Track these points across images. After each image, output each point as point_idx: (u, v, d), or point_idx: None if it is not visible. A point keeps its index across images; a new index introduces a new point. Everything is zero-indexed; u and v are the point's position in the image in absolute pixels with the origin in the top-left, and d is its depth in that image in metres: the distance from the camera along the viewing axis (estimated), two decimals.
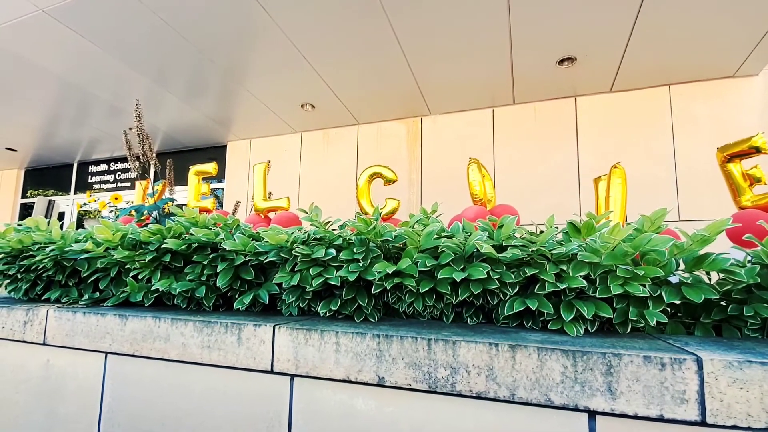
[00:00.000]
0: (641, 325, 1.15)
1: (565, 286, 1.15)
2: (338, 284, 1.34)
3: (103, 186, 7.35)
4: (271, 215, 2.37)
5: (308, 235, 1.46)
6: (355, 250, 1.37)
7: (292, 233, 1.43)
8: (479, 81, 4.25)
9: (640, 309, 1.16)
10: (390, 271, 1.21)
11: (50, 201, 4.51)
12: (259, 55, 3.96)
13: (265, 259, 1.45)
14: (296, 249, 1.36)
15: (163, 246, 1.60)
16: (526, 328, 1.27)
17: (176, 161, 6.71)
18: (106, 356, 1.61)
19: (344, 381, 1.25)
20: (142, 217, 2.17)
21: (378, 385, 1.21)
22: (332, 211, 5.24)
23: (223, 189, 6.12)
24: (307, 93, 4.65)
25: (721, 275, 1.14)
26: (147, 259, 1.64)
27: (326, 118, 5.27)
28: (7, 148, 7.04)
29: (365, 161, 5.33)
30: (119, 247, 1.71)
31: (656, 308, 1.15)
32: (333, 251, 1.38)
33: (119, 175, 7.23)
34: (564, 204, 4.34)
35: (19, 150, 7.12)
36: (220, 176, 6.24)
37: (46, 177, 7.92)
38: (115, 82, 4.63)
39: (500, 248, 1.28)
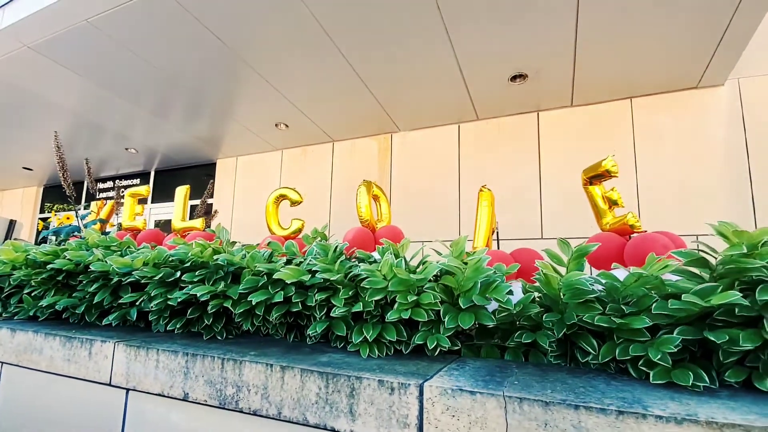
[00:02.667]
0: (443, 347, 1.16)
1: (358, 309, 1.23)
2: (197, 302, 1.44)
3: (109, 200, 7.82)
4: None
5: (165, 256, 1.59)
6: (197, 272, 1.48)
7: (147, 254, 1.56)
8: (439, 99, 4.33)
9: (427, 333, 1.22)
10: (202, 293, 1.33)
11: (11, 221, 4.87)
12: (234, 86, 4.31)
13: (125, 279, 1.60)
14: (141, 271, 1.49)
15: (51, 266, 1.77)
16: (332, 348, 1.34)
17: (172, 178, 7.09)
18: (1, 365, 1.78)
19: (161, 395, 1.36)
20: (64, 238, 2.38)
21: (184, 400, 1.31)
22: (308, 227, 5.40)
23: (212, 204, 6.41)
24: (279, 114, 4.87)
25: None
26: (41, 278, 1.82)
27: (302, 136, 5.47)
28: (23, 168, 7.66)
29: (340, 177, 5.48)
30: (22, 266, 1.90)
31: (446, 333, 1.20)
32: (178, 273, 1.50)
33: (122, 192, 7.68)
34: (527, 219, 4.32)
35: (35, 169, 7.72)
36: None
37: (60, 193, 8.51)
38: (117, 114, 5.07)
39: (312, 272, 1.37)
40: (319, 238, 1.99)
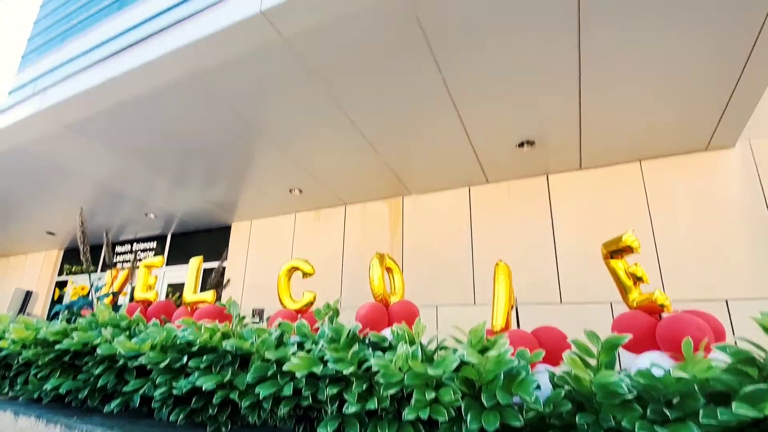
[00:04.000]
0: None
1: (372, 406, 1.14)
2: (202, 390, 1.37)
3: (125, 264, 7.93)
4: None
5: (173, 338, 1.54)
6: (204, 358, 1.42)
7: (155, 336, 1.52)
8: (448, 164, 4.43)
9: None
10: (207, 384, 1.26)
11: (28, 292, 4.90)
12: (251, 154, 4.49)
13: (132, 363, 1.54)
14: (148, 356, 1.44)
15: (58, 347, 1.73)
16: None
17: (188, 241, 7.19)
18: None
19: None
20: (76, 312, 2.37)
21: None
22: (320, 290, 5.32)
23: (224, 267, 6.42)
24: (293, 180, 5.02)
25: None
26: (47, 359, 1.77)
27: (315, 200, 5.59)
28: (47, 232, 7.90)
29: (352, 239, 5.49)
30: (32, 345, 1.87)
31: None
32: (185, 359, 1.45)
33: (139, 255, 7.81)
34: (542, 283, 4.19)
35: (57, 233, 7.95)
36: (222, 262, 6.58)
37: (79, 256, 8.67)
38: (139, 182, 5.30)
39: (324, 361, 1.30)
40: (331, 313, 1.94)
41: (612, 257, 1.66)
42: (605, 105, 3.36)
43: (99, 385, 1.63)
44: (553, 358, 1.68)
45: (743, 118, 3.45)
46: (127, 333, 1.75)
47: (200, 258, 2.48)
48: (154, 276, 2.64)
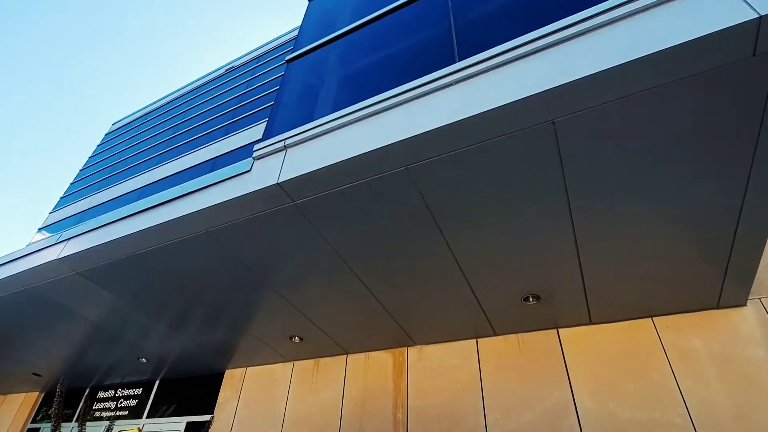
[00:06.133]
0: None
1: None
2: None
3: (105, 413, 7.24)
4: None
5: None
6: None
7: None
8: (454, 316, 4.34)
9: None
10: None
11: None
12: (253, 302, 4.48)
13: None
14: None
15: None
16: None
17: (176, 389, 6.70)
18: None
19: None
20: None
21: None
22: None
23: (210, 422, 5.80)
24: (294, 328, 4.89)
25: None
26: None
27: (315, 348, 5.35)
28: (33, 374, 7.46)
29: (352, 392, 5.06)
30: None
31: None
32: None
33: (121, 402, 7.18)
34: None
35: (43, 375, 7.50)
36: (209, 408, 6.02)
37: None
38: (136, 326, 5.21)
39: None
40: None
41: None
42: (605, 265, 3.41)
43: None
44: None
45: (746, 280, 3.45)
46: None
47: None
48: None
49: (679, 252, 3.20)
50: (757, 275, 3.53)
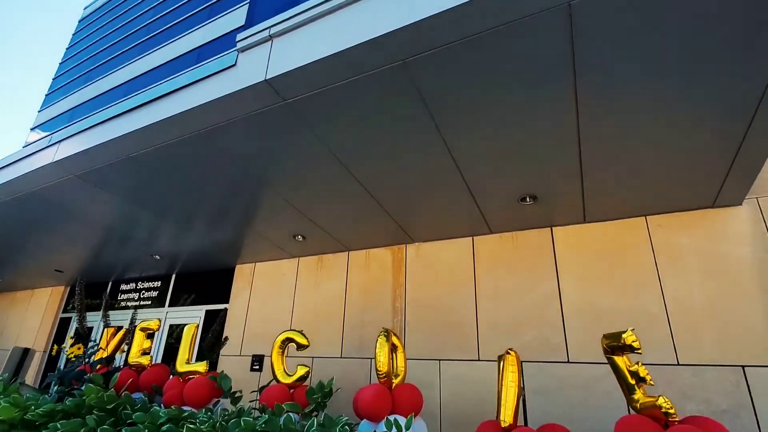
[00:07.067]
0: None
1: None
2: None
3: (129, 303, 7.93)
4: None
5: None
6: None
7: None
8: (451, 215, 4.43)
9: None
10: None
11: (25, 350, 4.85)
12: (255, 204, 4.56)
13: None
14: None
15: (44, 431, 1.69)
16: None
17: (191, 282, 7.20)
18: None
19: None
20: (69, 382, 2.33)
21: None
22: (320, 336, 5.24)
23: (227, 309, 6.38)
24: (296, 228, 5.05)
25: None
26: None
27: (318, 246, 5.59)
28: (55, 270, 7.98)
29: (354, 287, 5.44)
30: (18, 426, 1.83)
31: None
32: None
33: (143, 294, 7.82)
34: (550, 338, 4.06)
35: (65, 271, 8.03)
36: (224, 298, 6.56)
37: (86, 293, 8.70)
38: (145, 226, 5.37)
39: None
40: (321, 397, 1.88)
41: (614, 353, 1.59)
42: (607, 163, 3.34)
43: None
44: None
45: (749, 179, 3.41)
46: (113, 419, 1.71)
47: (194, 326, 2.45)
48: (147, 340, 2.61)
49: (689, 143, 3.03)
50: (759, 173, 3.47)
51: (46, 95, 13.64)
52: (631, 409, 1.63)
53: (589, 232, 4.29)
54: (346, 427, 1.37)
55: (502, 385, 1.74)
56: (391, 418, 1.51)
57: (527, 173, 3.55)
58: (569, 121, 2.88)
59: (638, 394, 1.50)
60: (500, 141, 3.13)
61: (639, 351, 1.49)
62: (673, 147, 3.09)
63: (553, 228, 4.46)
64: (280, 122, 3.14)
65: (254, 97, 2.97)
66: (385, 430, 1.37)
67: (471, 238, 4.88)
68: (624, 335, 1.51)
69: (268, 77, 2.80)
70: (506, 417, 1.62)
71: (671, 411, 1.37)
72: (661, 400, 1.37)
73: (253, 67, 2.92)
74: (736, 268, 3.64)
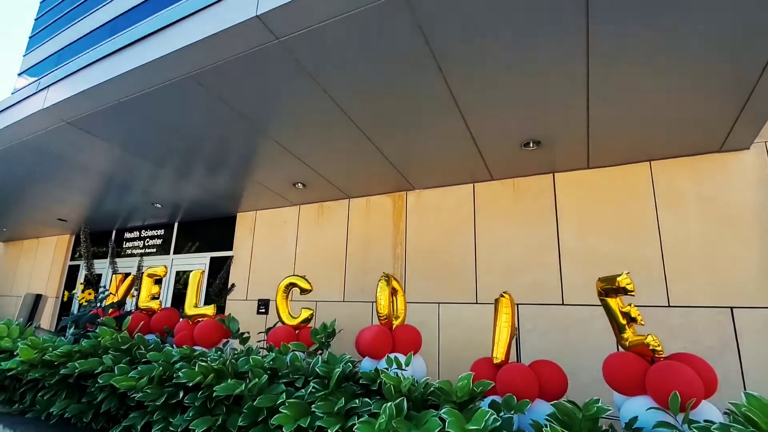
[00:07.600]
0: None
1: None
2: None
3: (135, 251, 8.09)
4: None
5: (170, 373, 1.58)
6: (199, 395, 1.46)
7: (153, 371, 1.56)
8: (452, 161, 4.37)
9: None
10: (200, 429, 1.30)
11: (37, 296, 4.98)
12: (253, 152, 4.49)
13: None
14: (145, 393, 1.48)
15: (63, 371, 1.79)
16: None
17: (194, 229, 7.28)
18: None
19: None
20: (84, 325, 2.43)
21: None
22: (323, 281, 5.40)
23: (232, 257, 6.52)
24: (296, 175, 5.01)
25: None
26: (53, 380, 1.84)
27: (318, 193, 5.58)
28: (58, 219, 8.05)
29: (355, 233, 5.50)
30: (38, 365, 1.94)
31: None
32: (181, 394, 1.49)
33: (147, 242, 7.95)
34: (546, 282, 4.18)
35: (68, 220, 8.10)
36: (228, 245, 6.67)
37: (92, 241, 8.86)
38: (143, 174, 5.33)
39: None
40: (325, 337, 1.96)
41: (607, 295, 1.64)
42: (615, 104, 3.22)
43: (102, 410, 1.69)
44: (550, 393, 1.70)
45: (760, 121, 3.31)
46: (128, 359, 1.80)
47: (200, 272, 2.51)
48: (156, 285, 2.69)
49: (702, 84, 2.92)
50: None
51: (30, 38, 12.93)
52: (620, 347, 1.72)
53: (591, 177, 4.25)
54: (349, 363, 1.44)
55: (496, 326, 1.81)
56: (392, 355, 1.58)
57: (532, 117, 3.44)
58: (579, 63, 2.73)
59: (628, 333, 1.57)
60: (504, 75, 2.98)
61: (632, 293, 1.53)
62: (686, 88, 2.96)
63: (555, 174, 4.41)
64: (274, 63, 2.99)
65: (245, 36, 2.80)
66: (386, 366, 1.45)
67: (472, 184, 4.85)
68: (619, 278, 1.54)
69: (259, 13, 2.62)
70: (498, 354, 1.71)
71: (658, 348, 1.43)
72: (649, 339, 1.43)
73: (243, 1, 2.72)
74: (737, 213, 3.65)
